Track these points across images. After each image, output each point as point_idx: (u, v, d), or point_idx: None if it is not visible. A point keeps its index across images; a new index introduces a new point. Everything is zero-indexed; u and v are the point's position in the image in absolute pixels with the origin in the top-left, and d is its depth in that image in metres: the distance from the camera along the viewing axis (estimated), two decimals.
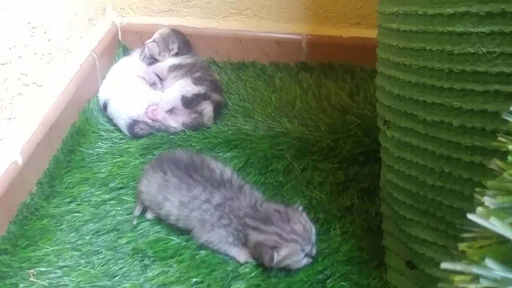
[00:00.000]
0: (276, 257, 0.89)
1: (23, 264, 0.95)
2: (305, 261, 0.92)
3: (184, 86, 1.36)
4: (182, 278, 0.92)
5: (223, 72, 1.59)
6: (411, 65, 0.71)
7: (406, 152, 0.76)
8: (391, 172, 0.82)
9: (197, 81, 1.37)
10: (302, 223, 0.91)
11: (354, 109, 1.37)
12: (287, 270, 0.92)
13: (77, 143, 1.26)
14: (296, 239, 0.89)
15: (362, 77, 1.54)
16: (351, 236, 1.00)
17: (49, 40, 1.20)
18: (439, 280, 0.73)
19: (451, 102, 0.66)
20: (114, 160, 1.21)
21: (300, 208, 0.95)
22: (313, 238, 0.93)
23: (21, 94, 1.07)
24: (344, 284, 0.90)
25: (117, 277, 0.93)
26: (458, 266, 0.30)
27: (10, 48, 1.03)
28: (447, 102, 0.66)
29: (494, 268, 0.29)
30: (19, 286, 0.91)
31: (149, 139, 1.30)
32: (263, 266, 0.93)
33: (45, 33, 1.18)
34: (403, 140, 0.76)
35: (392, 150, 0.80)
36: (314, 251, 0.93)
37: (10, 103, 1.04)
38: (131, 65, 1.46)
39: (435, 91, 0.68)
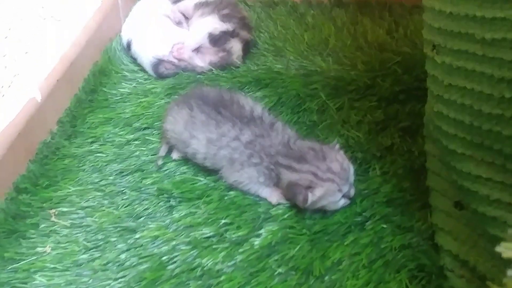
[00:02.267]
0: (311, 198, 0.83)
1: (44, 204, 0.92)
2: (342, 202, 0.86)
3: (211, 23, 1.29)
4: (210, 220, 0.87)
5: (252, 10, 1.52)
6: None
7: (459, 78, 0.68)
8: (440, 102, 0.74)
9: (224, 18, 1.31)
10: (339, 161, 0.84)
11: (393, 46, 1.27)
12: (322, 212, 0.87)
13: (99, 82, 1.23)
14: (332, 178, 0.83)
15: (401, 14, 1.44)
16: (392, 176, 0.92)
17: None
18: (495, 220, 0.66)
19: None
20: (139, 101, 1.17)
21: (337, 146, 0.88)
22: (351, 177, 0.86)
23: (37, 27, 1.02)
24: (385, 226, 0.83)
25: (141, 218, 0.89)
26: None
27: None
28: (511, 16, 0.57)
29: None
30: (40, 226, 0.88)
31: (175, 79, 1.25)
32: (296, 208, 0.88)
33: None
34: (455, 64, 0.68)
35: (441, 77, 0.72)
36: (352, 192, 0.86)
37: (26, 36, 0.98)
38: (155, 3, 1.41)
39: (497, 4, 0.59)
